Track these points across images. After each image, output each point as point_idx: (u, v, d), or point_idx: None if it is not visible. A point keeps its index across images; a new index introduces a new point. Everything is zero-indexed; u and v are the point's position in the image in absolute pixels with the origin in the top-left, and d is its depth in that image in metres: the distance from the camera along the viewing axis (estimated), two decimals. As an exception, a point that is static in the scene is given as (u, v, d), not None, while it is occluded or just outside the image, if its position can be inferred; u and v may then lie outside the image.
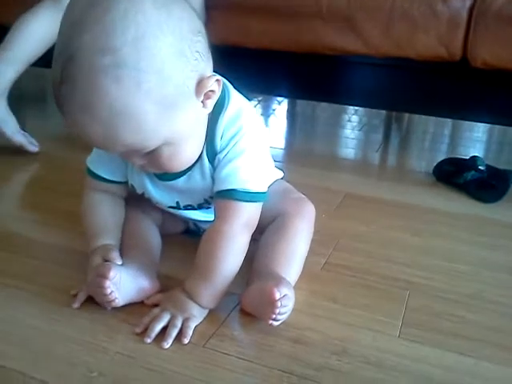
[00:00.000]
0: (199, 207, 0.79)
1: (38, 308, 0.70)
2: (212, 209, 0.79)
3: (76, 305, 0.70)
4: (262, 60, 1.31)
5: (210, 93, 0.64)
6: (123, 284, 0.67)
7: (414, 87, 1.25)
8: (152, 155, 0.64)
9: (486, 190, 1.22)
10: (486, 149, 1.99)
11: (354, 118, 2.23)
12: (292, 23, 1.21)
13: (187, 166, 0.70)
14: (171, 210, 0.82)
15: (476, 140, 2.07)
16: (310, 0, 1.18)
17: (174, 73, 0.58)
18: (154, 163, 0.66)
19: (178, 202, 0.78)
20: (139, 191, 0.79)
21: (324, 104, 2.30)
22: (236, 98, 0.71)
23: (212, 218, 0.81)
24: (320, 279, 0.82)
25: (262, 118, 0.78)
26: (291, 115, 2.29)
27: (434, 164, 1.44)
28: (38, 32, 1.22)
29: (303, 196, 0.87)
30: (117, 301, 0.67)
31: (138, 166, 0.68)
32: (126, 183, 0.80)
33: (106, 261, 0.71)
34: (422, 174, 1.43)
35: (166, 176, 0.73)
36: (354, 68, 1.30)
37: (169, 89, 0.58)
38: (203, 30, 0.63)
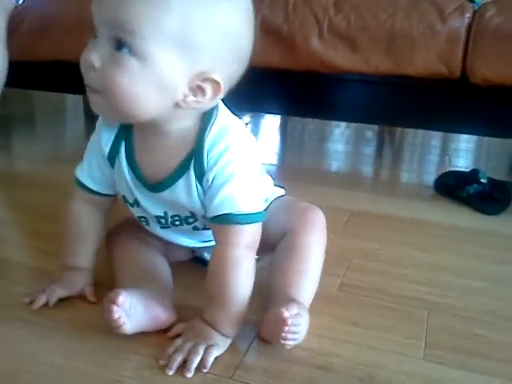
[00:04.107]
0: (186, 221, 0.77)
1: (54, 343, 0.68)
2: (200, 231, 0.79)
3: (34, 306, 0.74)
4: (259, 78, 1.31)
5: (199, 91, 0.63)
6: (134, 311, 0.66)
7: (414, 104, 1.27)
8: (117, 59, 0.59)
9: (488, 203, 1.23)
10: (477, 159, 2.02)
11: (347, 132, 2.25)
12: (292, 42, 1.21)
13: (130, 113, 0.63)
14: (162, 232, 0.80)
15: (468, 151, 2.10)
16: (311, 20, 1.19)
17: (219, 40, 0.60)
18: (109, 71, 0.60)
19: (165, 212, 0.76)
20: (130, 200, 0.77)
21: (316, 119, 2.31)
22: (224, 115, 0.69)
23: (203, 244, 0.82)
24: (338, 301, 0.82)
25: (251, 135, 0.75)
26: (283, 131, 2.30)
27: (433, 177, 1.45)
28: None
29: (308, 205, 0.84)
30: (125, 326, 0.65)
31: (89, 76, 0.62)
32: (111, 196, 0.80)
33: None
34: (422, 188, 1.44)
35: (151, 187, 0.72)
36: (352, 86, 1.31)
37: (202, 37, 0.59)
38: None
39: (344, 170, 1.71)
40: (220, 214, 0.67)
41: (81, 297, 0.78)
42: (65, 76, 1.50)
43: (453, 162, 1.78)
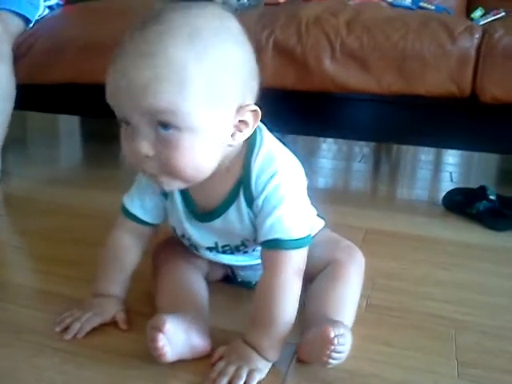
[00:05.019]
0: (236, 249, 0.79)
1: (91, 371, 0.68)
2: (249, 253, 0.80)
3: (68, 336, 0.73)
4: (270, 98, 1.32)
5: (242, 125, 0.65)
6: (175, 339, 0.66)
7: (425, 122, 1.29)
8: (168, 140, 0.60)
9: (498, 220, 1.25)
10: (467, 174, 2.05)
11: (345, 149, 2.27)
12: (305, 63, 1.23)
13: (199, 177, 0.65)
14: (210, 255, 0.82)
15: (458, 165, 2.12)
16: (323, 40, 1.21)
17: (237, 71, 0.62)
18: (166, 154, 0.61)
19: (216, 243, 0.78)
20: (179, 232, 0.79)
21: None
22: (268, 139, 0.70)
23: (248, 263, 0.83)
24: (367, 322, 0.82)
25: (296, 160, 0.76)
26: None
27: (439, 193, 1.47)
28: None
29: (352, 244, 0.87)
30: (168, 355, 0.65)
31: (146, 166, 0.62)
32: (157, 226, 0.81)
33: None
34: (431, 204, 1.46)
35: (203, 217, 0.74)
36: (363, 105, 1.33)
37: (224, 80, 0.61)
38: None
39: (351, 188, 1.73)
40: (270, 238, 0.68)
41: (111, 322, 0.78)
42: (76, 98, 1.51)
43: (457, 179, 1.81)
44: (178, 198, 0.75)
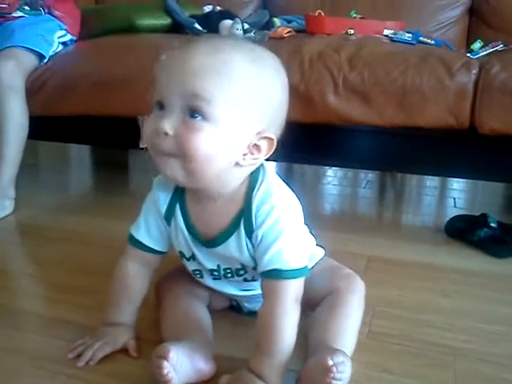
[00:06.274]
0: (237, 273, 0.82)
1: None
2: (249, 282, 0.84)
3: (80, 364, 0.77)
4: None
5: (256, 149, 0.70)
6: (180, 364, 0.70)
7: (425, 152, 1.33)
8: (192, 124, 0.66)
9: (500, 247, 1.28)
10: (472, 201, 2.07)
11: (350, 175, 2.30)
12: (309, 98, 1.28)
13: (205, 172, 0.69)
14: (212, 284, 0.85)
15: (462, 190, 2.15)
16: (326, 76, 1.26)
17: (273, 104, 0.71)
18: (185, 135, 0.66)
19: (218, 265, 0.82)
20: (187, 255, 0.83)
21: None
22: (269, 176, 0.76)
23: (249, 293, 0.87)
24: (368, 349, 0.85)
25: (293, 194, 0.80)
26: (286, 176, 2.34)
27: (443, 219, 1.49)
28: None
29: (352, 272, 0.91)
30: (173, 381, 0.69)
31: (161, 143, 0.67)
32: (163, 254, 0.85)
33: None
34: (433, 231, 1.48)
35: (205, 244, 0.79)
36: (366, 136, 1.37)
37: (261, 103, 0.69)
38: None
39: (354, 215, 1.75)
40: (270, 268, 0.72)
41: (121, 350, 0.81)
42: (88, 129, 1.57)
43: (459, 205, 1.83)
44: (182, 226, 0.79)
